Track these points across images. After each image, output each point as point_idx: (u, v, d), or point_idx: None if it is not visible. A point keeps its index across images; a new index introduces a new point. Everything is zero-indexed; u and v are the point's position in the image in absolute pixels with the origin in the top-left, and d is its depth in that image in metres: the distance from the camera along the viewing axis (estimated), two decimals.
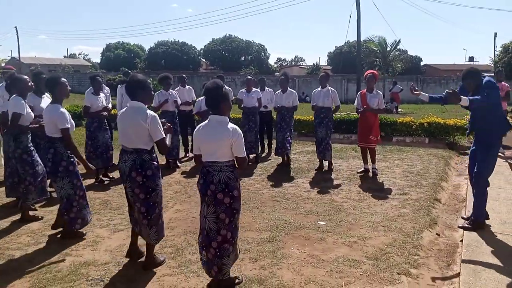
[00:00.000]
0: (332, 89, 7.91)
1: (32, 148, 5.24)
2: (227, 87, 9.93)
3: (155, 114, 3.84)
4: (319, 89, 7.91)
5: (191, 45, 56.65)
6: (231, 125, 3.41)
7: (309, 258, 4.17)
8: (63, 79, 4.69)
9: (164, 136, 3.86)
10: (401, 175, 7.52)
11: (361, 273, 3.87)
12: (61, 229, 4.81)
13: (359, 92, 7.77)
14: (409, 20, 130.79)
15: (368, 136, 7.43)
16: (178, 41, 56.01)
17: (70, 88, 4.93)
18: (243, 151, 3.39)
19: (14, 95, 5.21)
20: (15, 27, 55.42)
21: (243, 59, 57.12)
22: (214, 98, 3.44)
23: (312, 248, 4.42)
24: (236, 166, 3.49)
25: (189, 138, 8.53)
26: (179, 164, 8.42)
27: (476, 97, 4.56)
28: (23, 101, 5.11)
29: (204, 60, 59.76)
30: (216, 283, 3.55)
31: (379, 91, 7.59)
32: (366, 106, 7.36)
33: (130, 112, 3.82)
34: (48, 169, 4.61)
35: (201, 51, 58.68)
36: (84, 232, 4.80)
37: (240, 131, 3.43)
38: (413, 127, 11.09)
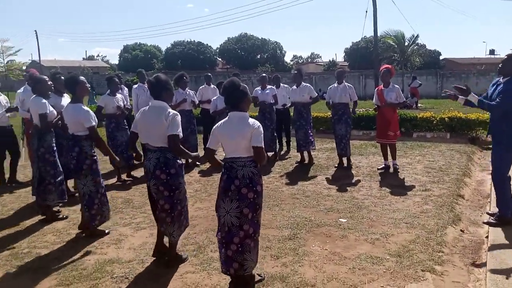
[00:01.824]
0: (349, 84, 7.84)
1: (55, 149, 5.34)
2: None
3: (177, 113, 3.92)
4: (335, 85, 7.85)
5: (207, 44, 57.04)
6: (251, 120, 3.45)
7: (331, 256, 4.15)
8: (81, 77, 4.80)
9: (179, 134, 3.85)
10: (422, 171, 7.41)
11: (384, 270, 3.83)
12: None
13: (376, 89, 7.69)
14: (427, 14, 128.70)
15: (386, 132, 7.35)
16: (194, 41, 56.47)
17: (89, 85, 5.03)
18: (261, 141, 3.37)
19: (34, 95, 5.34)
20: (35, 30, 56.51)
21: (258, 57, 57.17)
22: (233, 96, 3.47)
23: (334, 245, 4.40)
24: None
25: None
26: (198, 163, 8.44)
27: (491, 102, 4.57)
28: (44, 100, 5.24)
29: (220, 59, 60.00)
30: (238, 280, 3.55)
31: (395, 85, 7.49)
32: (383, 101, 7.27)
33: (154, 111, 3.88)
34: (72, 167, 4.70)
35: (217, 50, 58.95)
36: (107, 231, 4.88)
37: (258, 123, 3.45)
38: (434, 122, 10.92)
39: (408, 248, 4.27)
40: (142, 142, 4.05)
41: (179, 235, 4.05)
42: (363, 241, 4.49)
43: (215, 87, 9.34)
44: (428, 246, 4.33)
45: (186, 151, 3.97)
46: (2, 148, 6.97)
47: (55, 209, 5.55)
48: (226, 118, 3.53)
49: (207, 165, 8.42)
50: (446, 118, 10.78)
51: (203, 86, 9.36)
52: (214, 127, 3.59)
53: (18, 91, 7.06)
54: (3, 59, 38.51)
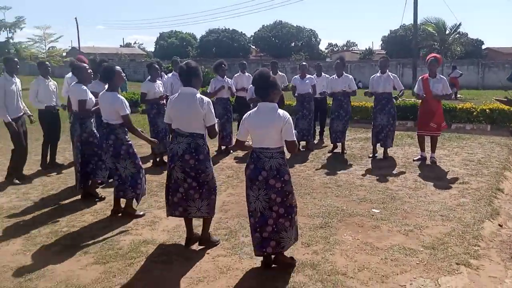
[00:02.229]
0: (393, 74, 7.64)
1: (96, 133, 5.52)
2: (280, 73, 9.87)
3: (210, 100, 3.98)
4: (378, 74, 7.63)
5: (241, 32, 57.07)
6: (280, 111, 3.47)
7: (362, 245, 4.11)
8: (117, 67, 4.92)
9: (216, 121, 3.99)
10: (460, 164, 7.19)
11: (417, 262, 3.77)
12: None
13: (420, 77, 7.40)
14: (470, 1, 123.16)
15: (428, 123, 7.10)
16: (229, 28, 56.54)
17: (124, 75, 5.15)
18: (293, 135, 3.45)
19: (74, 83, 5.52)
20: (75, 18, 58.09)
21: (293, 45, 56.68)
22: (263, 87, 3.53)
23: (366, 235, 4.36)
24: (286, 151, 3.53)
25: None
26: (231, 151, 8.52)
27: None
28: (83, 87, 5.41)
29: (254, 47, 59.85)
30: (271, 260, 3.64)
31: (442, 76, 7.23)
32: (428, 91, 7.02)
33: (186, 98, 3.94)
34: (110, 153, 4.84)
35: (251, 38, 58.78)
36: (142, 213, 5.03)
37: (288, 115, 3.48)
38: (474, 113, 10.55)
39: (442, 241, 4.18)
40: (173, 128, 4.11)
41: (208, 214, 4.08)
42: (396, 232, 4.43)
43: (250, 75, 9.32)
44: (464, 239, 4.22)
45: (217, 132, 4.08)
46: (49, 131, 7.24)
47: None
48: (256, 108, 3.58)
49: (240, 152, 8.47)
50: (487, 110, 10.39)
51: (238, 73, 9.38)
52: (244, 117, 3.64)
53: (67, 75, 7.27)
54: (45, 46, 39.90)
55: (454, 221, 4.68)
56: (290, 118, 3.47)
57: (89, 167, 5.52)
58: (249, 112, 3.61)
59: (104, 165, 5.45)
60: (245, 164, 3.69)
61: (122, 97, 4.81)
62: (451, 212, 4.95)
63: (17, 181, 6.42)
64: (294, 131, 3.48)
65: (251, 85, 8.38)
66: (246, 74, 9.34)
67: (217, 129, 4.07)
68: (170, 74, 8.83)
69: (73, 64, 6.18)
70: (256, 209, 3.52)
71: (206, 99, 3.94)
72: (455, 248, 4.03)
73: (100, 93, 4.93)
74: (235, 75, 9.43)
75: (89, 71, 5.62)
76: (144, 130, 5.18)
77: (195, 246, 4.15)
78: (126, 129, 4.85)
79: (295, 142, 3.48)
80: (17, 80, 6.57)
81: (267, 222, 3.49)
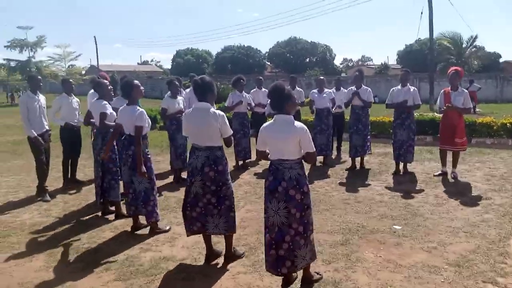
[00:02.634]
0: (413, 87, 7.56)
1: (115, 149, 5.58)
2: (299, 88, 9.88)
3: (223, 113, 4.03)
4: (399, 87, 7.53)
5: (256, 48, 57.54)
6: (297, 123, 3.48)
7: (385, 263, 4.04)
8: (136, 81, 5.00)
9: (232, 132, 4.08)
10: (482, 179, 7.05)
11: (442, 280, 3.68)
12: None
13: (442, 90, 7.29)
14: (486, 14, 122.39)
15: (452, 138, 6.98)
16: (244, 45, 57.07)
17: (143, 88, 5.21)
18: (311, 146, 3.48)
19: (95, 99, 5.63)
20: (94, 36, 59.46)
21: (307, 60, 56.87)
22: (278, 99, 3.55)
23: (388, 252, 4.28)
24: (305, 162, 3.56)
25: None
26: (248, 167, 8.52)
27: None
28: (104, 102, 5.54)
29: (269, 63, 60.25)
30: (291, 278, 3.62)
31: (464, 89, 7.15)
32: (449, 104, 6.93)
33: (200, 112, 4.00)
34: (128, 165, 4.87)
35: (266, 54, 59.22)
36: (167, 227, 5.07)
37: (305, 127, 3.49)
38: (494, 127, 10.38)
39: (467, 258, 4.07)
40: (190, 142, 4.15)
41: (227, 230, 4.06)
42: (419, 249, 4.34)
43: (266, 90, 9.36)
44: (490, 256, 4.11)
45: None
46: (69, 148, 7.35)
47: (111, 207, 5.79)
48: (272, 120, 3.60)
49: (257, 167, 8.48)
50: (507, 124, 10.22)
51: (254, 89, 9.44)
52: (261, 128, 3.65)
53: (90, 92, 7.40)
54: (65, 64, 40.89)
55: (479, 238, 4.57)
56: (307, 130, 3.48)
57: (105, 183, 5.56)
58: (265, 124, 3.63)
59: (117, 184, 5.51)
60: (263, 180, 3.68)
61: (142, 110, 4.85)
62: (475, 229, 4.84)
63: (47, 198, 6.51)
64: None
65: (269, 100, 8.44)
66: (262, 89, 9.40)
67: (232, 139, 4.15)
68: (188, 90, 8.95)
69: (94, 80, 6.32)
70: (274, 224, 3.50)
71: (220, 112, 4.00)
72: (481, 265, 3.93)
73: (120, 108, 5.01)
74: (252, 91, 9.49)
75: (109, 87, 5.74)
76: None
77: (215, 263, 4.13)
78: (146, 142, 4.88)
79: (314, 153, 3.51)
80: (41, 97, 6.72)
81: (284, 238, 3.45)
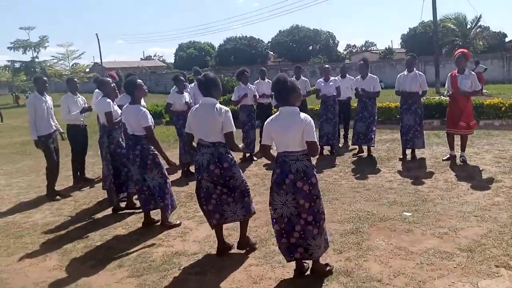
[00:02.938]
0: (420, 73, 7.49)
1: (123, 143, 5.62)
2: (304, 78, 9.82)
3: (228, 109, 4.02)
4: (405, 73, 7.47)
5: (258, 39, 57.16)
6: (302, 114, 3.47)
7: (396, 250, 4.03)
8: (139, 80, 5.04)
9: (234, 130, 4.02)
10: (492, 161, 7.00)
11: (455, 266, 3.67)
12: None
13: (449, 74, 7.21)
14: None
15: (459, 122, 6.92)
16: (246, 36, 56.74)
17: (146, 88, 5.23)
18: (314, 136, 3.43)
19: (100, 97, 5.66)
20: (96, 34, 59.47)
21: (311, 48, 56.45)
22: (282, 92, 3.53)
23: (399, 239, 4.27)
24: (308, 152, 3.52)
25: None
26: (255, 158, 8.52)
27: None
28: (108, 100, 5.58)
29: (271, 52, 59.92)
30: (304, 268, 3.64)
31: (472, 72, 7.05)
32: (456, 88, 6.87)
33: (206, 108, 4.00)
34: (137, 164, 4.91)
35: (269, 44, 58.88)
36: (179, 222, 5.11)
37: (310, 118, 3.48)
38: (502, 109, 10.29)
39: (479, 243, 4.06)
40: (197, 138, 4.15)
41: (245, 215, 4.12)
42: (430, 235, 4.33)
43: (270, 81, 9.32)
44: (502, 240, 4.09)
45: (237, 145, 4.15)
46: (76, 147, 7.40)
47: (122, 204, 5.83)
48: (277, 113, 3.57)
49: (264, 159, 8.46)
50: None
51: (258, 80, 9.40)
52: (266, 122, 3.64)
53: (96, 90, 7.42)
54: (69, 63, 41.04)
55: (490, 222, 4.55)
56: (312, 120, 3.46)
57: (121, 178, 5.62)
58: (270, 117, 3.62)
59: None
60: (270, 171, 3.69)
61: (145, 109, 4.91)
62: (486, 213, 4.81)
63: (58, 197, 6.57)
64: (316, 134, 3.47)
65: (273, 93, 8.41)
66: (266, 80, 9.35)
67: (235, 138, 4.08)
68: (192, 84, 8.93)
69: (97, 79, 6.34)
70: (282, 215, 3.50)
71: (224, 108, 4.00)
72: (493, 250, 3.91)
73: (124, 107, 5.02)
74: (255, 82, 9.44)
75: (112, 85, 5.76)
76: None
77: (227, 256, 4.16)
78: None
79: (316, 143, 3.45)
80: (48, 98, 6.75)
81: (294, 228, 3.48)
